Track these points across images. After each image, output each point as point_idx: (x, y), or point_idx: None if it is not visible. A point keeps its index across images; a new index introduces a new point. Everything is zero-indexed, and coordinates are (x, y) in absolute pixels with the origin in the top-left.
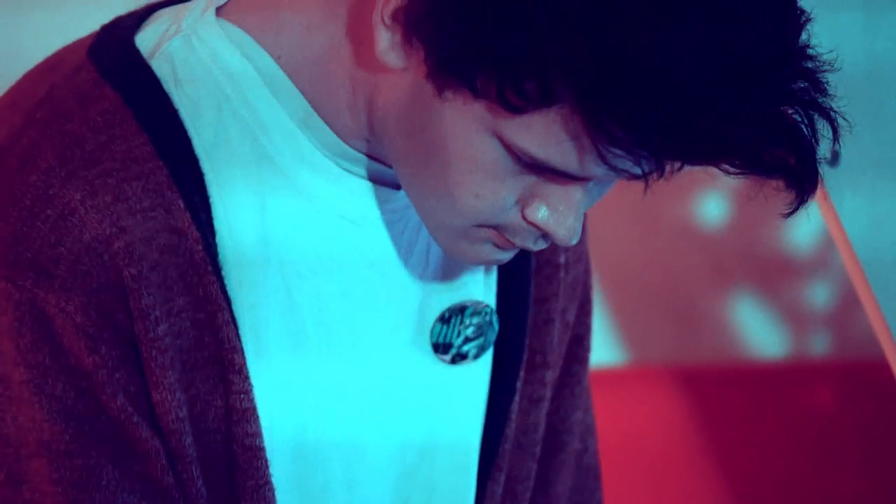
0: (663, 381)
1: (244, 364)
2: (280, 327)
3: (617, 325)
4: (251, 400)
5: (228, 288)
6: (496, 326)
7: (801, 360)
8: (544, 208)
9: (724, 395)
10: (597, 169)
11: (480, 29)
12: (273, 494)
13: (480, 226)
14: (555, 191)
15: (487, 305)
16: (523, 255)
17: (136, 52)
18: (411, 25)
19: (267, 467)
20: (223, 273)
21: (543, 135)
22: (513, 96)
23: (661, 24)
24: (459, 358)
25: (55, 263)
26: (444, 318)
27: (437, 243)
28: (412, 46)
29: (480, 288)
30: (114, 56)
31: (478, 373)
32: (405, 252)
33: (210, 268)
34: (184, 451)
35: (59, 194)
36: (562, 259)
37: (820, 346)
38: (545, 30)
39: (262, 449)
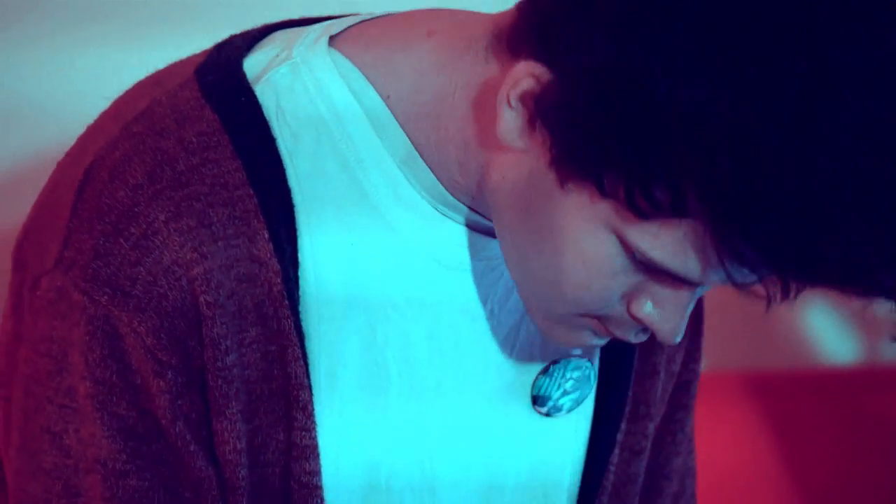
0: (735, 387)
1: (309, 401)
2: (360, 366)
3: None
4: (313, 438)
5: (307, 323)
6: (594, 382)
7: (874, 365)
8: (651, 305)
9: (797, 402)
10: (716, 279)
11: (615, 127)
12: None
13: (582, 315)
14: (664, 290)
15: (588, 360)
16: None
17: (242, 75)
18: (541, 112)
19: None
20: (301, 308)
21: (667, 243)
22: (642, 201)
23: (802, 148)
24: (555, 410)
25: (132, 283)
26: (548, 372)
27: (534, 323)
28: (537, 131)
29: None
30: (219, 77)
31: (573, 424)
32: (500, 300)
33: (286, 301)
34: (237, 483)
35: (144, 213)
36: None
37: (894, 351)
38: (684, 140)
39: (319, 487)
